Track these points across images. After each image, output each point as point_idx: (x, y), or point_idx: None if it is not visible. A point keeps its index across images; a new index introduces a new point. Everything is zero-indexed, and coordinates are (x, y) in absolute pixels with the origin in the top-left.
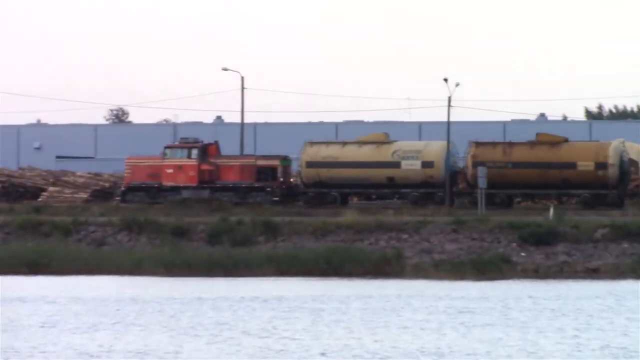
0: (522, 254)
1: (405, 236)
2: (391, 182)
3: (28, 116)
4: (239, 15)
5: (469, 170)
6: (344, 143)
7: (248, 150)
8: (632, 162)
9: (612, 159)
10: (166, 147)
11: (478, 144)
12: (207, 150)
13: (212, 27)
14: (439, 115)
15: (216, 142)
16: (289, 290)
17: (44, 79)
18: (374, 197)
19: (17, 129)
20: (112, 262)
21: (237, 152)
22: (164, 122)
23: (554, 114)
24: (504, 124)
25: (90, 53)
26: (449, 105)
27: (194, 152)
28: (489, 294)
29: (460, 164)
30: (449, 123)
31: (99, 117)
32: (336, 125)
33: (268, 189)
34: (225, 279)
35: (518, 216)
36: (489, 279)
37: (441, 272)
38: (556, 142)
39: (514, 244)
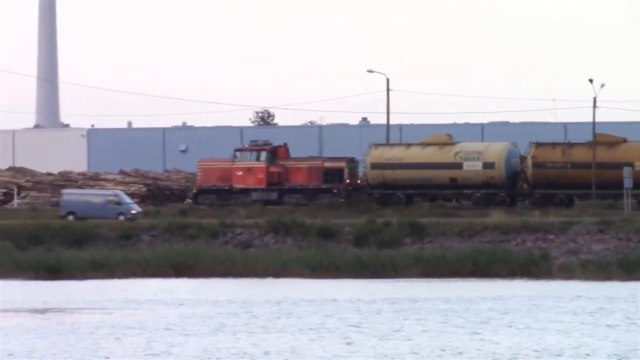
0: None
1: (551, 237)
2: (454, 183)
3: (174, 119)
4: (382, 18)
5: (529, 171)
6: (408, 145)
7: None
8: None
9: None
10: (236, 150)
11: (538, 145)
12: (276, 153)
13: (357, 30)
14: (584, 116)
15: (285, 145)
16: (436, 291)
17: (191, 82)
18: (439, 197)
19: (163, 132)
20: (258, 264)
21: None
22: (310, 124)
23: None
24: None
25: (240, 57)
26: (594, 106)
27: (263, 154)
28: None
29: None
30: (594, 124)
31: (244, 119)
32: (482, 126)
33: (334, 191)
34: (371, 280)
35: None
36: (636, 279)
37: (588, 272)
38: (614, 143)
39: None
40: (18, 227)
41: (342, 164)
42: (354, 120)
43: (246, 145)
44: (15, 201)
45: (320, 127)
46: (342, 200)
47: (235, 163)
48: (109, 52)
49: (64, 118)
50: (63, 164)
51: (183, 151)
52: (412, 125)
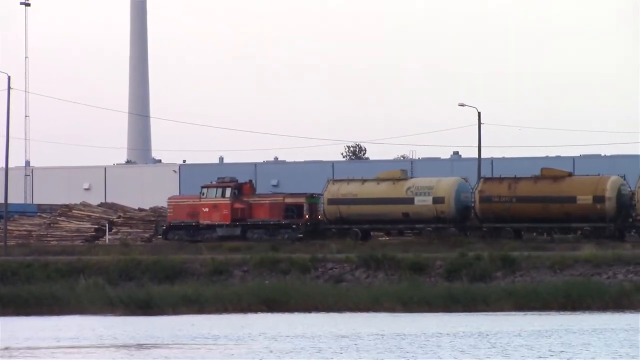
0: None
1: None
2: (406, 218)
3: (265, 153)
4: (473, 51)
5: (477, 205)
6: (364, 180)
7: None
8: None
9: (609, 193)
10: (202, 187)
11: (486, 180)
12: (241, 189)
13: (446, 62)
14: None
15: (250, 181)
16: (528, 323)
17: (282, 117)
18: (393, 232)
19: (255, 167)
20: (350, 299)
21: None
22: (401, 158)
23: None
24: None
25: (325, 90)
26: None
27: (228, 191)
28: None
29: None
30: None
31: (336, 153)
32: (573, 159)
33: (294, 226)
34: (463, 314)
35: None
36: None
37: None
38: (559, 177)
39: None
40: (110, 263)
41: (302, 200)
42: (446, 154)
43: (213, 182)
44: (107, 237)
45: (412, 161)
46: (300, 235)
47: (202, 200)
48: (199, 87)
49: (155, 153)
50: (155, 199)
51: (275, 186)
52: (503, 159)
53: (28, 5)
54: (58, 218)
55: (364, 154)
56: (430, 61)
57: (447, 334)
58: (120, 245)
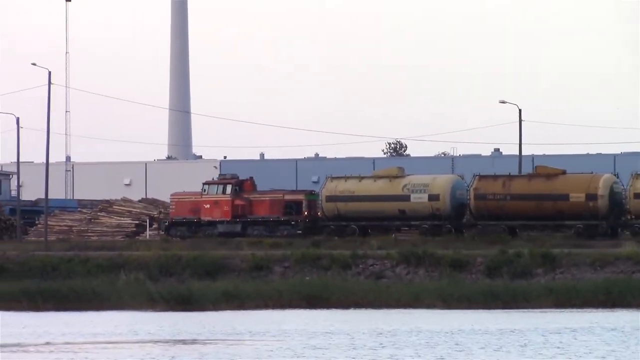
0: None
1: None
2: (402, 215)
3: (306, 150)
4: (514, 50)
5: (472, 202)
6: (361, 178)
7: None
8: None
9: (601, 191)
10: (204, 184)
11: (481, 177)
12: (242, 186)
13: (488, 61)
14: None
15: (251, 178)
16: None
17: (322, 113)
18: (392, 229)
19: (295, 163)
20: (390, 295)
21: None
22: (442, 155)
23: None
24: None
25: (368, 87)
26: None
27: (229, 188)
28: None
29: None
30: None
31: (377, 150)
32: (614, 156)
33: (293, 222)
34: (504, 311)
35: None
36: None
37: None
38: (552, 175)
39: None
40: (150, 259)
41: (301, 197)
42: (486, 151)
43: (215, 179)
44: (148, 232)
45: (453, 157)
46: (299, 232)
47: (204, 196)
48: (240, 83)
49: (196, 149)
50: None
51: (315, 182)
52: (544, 156)
53: (69, 0)
54: (99, 213)
55: (404, 151)
56: (471, 60)
57: (483, 332)
58: (160, 241)
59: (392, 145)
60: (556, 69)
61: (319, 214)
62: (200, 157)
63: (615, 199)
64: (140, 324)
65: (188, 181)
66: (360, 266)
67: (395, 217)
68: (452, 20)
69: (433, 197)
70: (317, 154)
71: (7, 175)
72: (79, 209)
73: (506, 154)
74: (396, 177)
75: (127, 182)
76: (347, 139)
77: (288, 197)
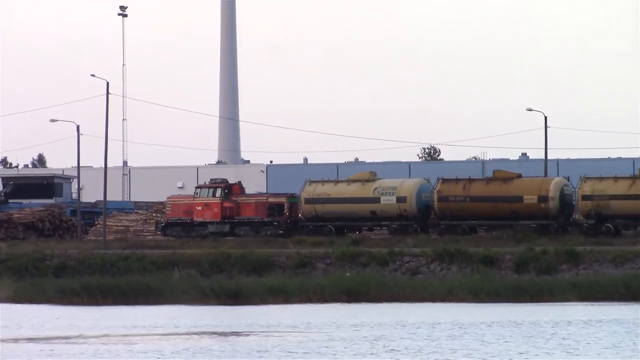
0: None
1: None
2: (374, 215)
3: (346, 154)
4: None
5: (435, 204)
6: (337, 182)
7: None
8: None
9: (552, 193)
10: (197, 187)
11: (444, 181)
12: (231, 190)
13: (516, 70)
14: None
15: (239, 182)
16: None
17: (363, 119)
18: (364, 228)
19: (337, 167)
20: (425, 290)
21: None
22: (473, 159)
23: None
24: None
25: (403, 94)
26: None
27: (218, 191)
28: None
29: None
30: None
31: (412, 154)
32: (633, 160)
33: (275, 223)
34: (531, 304)
35: None
36: None
37: None
38: (508, 178)
39: None
40: (201, 256)
41: (283, 200)
42: (514, 155)
43: (206, 183)
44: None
45: (483, 162)
46: (281, 232)
47: (196, 199)
48: (286, 91)
49: (244, 154)
50: None
51: None
52: (568, 160)
53: (125, 16)
54: (153, 214)
55: (438, 155)
56: (500, 69)
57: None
58: (211, 240)
59: (427, 150)
60: (585, 77)
61: (300, 215)
62: (248, 161)
63: (565, 200)
64: (191, 317)
65: None
66: (397, 262)
67: (367, 218)
68: (484, 31)
69: (401, 199)
70: (356, 159)
71: (68, 179)
72: (135, 210)
73: (533, 157)
74: (368, 180)
75: (180, 185)
76: (385, 145)
77: (272, 199)
